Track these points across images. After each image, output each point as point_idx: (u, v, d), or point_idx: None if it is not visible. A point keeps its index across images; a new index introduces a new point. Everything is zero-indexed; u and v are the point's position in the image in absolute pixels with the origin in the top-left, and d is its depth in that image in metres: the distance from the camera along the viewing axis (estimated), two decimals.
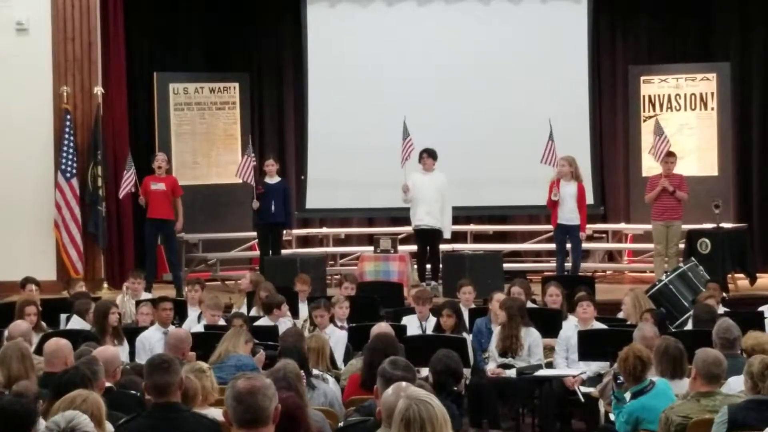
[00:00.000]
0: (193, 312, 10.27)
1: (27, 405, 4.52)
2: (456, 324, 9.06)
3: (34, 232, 13.42)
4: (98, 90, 13.46)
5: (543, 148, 13.02)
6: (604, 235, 14.95)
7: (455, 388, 6.63)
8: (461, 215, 14.38)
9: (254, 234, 13.81)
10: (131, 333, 9.22)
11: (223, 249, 14.75)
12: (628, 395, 6.37)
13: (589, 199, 13.40)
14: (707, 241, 12.58)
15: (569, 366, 8.73)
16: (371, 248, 13.50)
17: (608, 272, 14.65)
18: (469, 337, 8.99)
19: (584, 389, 8.30)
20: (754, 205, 14.83)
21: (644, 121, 14.73)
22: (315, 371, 7.13)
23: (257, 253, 13.77)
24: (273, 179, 13.32)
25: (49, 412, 4.84)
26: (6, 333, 8.06)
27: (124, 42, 14.12)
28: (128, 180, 13.06)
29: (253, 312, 10.04)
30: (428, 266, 12.97)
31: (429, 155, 12.83)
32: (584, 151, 14.36)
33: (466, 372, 8.47)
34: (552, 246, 13.43)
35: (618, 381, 6.54)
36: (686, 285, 10.47)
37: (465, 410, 8.10)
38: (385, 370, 4.97)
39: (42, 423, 4.51)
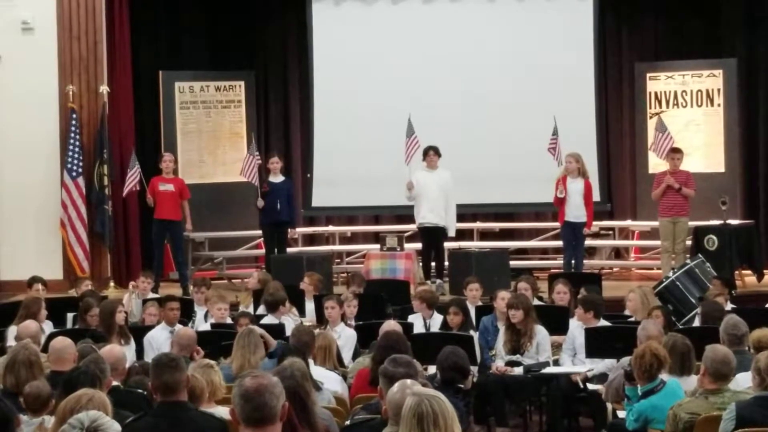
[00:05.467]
0: (199, 311, 10.28)
1: (8, 406, 4.52)
2: (463, 321, 9.05)
3: (41, 232, 13.44)
4: (104, 89, 13.46)
5: (548, 145, 13.01)
6: (610, 232, 14.91)
7: (462, 385, 6.62)
8: (468, 213, 14.37)
9: (260, 232, 13.80)
10: (138, 332, 9.22)
11: (230, 247, 14.76)
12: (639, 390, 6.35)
13: (596, 196, 13.39)
14: (714, 237, 12.55)
15: (575, 365, 8.71)
16: (377, 246, 13.49)
17: (615, 269, 14.62)
18: (475, 335, 8.97)
19: (591, 386, 8.28)
20: (760, 202, 14.78)
21: (650, 117, 14.67)
22: None
23: (263, 251, 13.77)
24: (277, 178, 13.28)
25: (55, 411, 4.83)
26: (16, 332, 8.06)
27: (129, 41, 14.12)
28: (132, 178, 13.05)
29: (261, 310, 10.03)
30: (433, 264, 12.96)
31: (435, 152, 12.80)
32: (591, 148, 14.31)
33: (473, 369, 8.46)
34: (559, 243, 13.41)
35: (630, 378, 6.49)
36: (693, 281, 10.41)
37: (471, 408, 8.09)
38: (386, 369, 4.95)
39: (50, 420, 4.51)
